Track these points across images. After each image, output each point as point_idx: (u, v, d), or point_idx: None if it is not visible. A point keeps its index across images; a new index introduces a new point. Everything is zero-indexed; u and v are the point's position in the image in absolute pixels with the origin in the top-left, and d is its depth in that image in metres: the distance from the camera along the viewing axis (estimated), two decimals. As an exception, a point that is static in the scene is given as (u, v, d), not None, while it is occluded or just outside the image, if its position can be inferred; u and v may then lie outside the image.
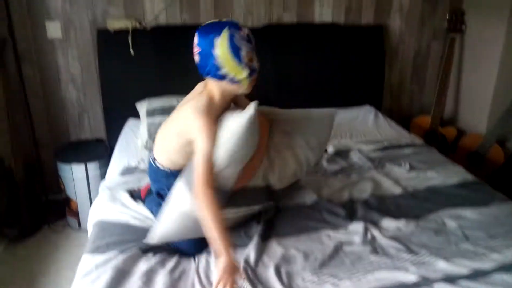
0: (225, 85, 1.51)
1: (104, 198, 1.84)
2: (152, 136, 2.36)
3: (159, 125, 2.38)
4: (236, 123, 1.45)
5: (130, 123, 2.68)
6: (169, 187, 1.58)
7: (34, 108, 2.79)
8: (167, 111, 2.44)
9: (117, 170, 2.13)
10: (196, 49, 1.49)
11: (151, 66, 2.74)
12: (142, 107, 2.54)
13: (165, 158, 1.66)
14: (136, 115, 2.63)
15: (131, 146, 2.41)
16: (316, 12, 2.97)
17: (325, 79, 2.99)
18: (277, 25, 2.93)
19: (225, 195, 1.49)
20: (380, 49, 3.06)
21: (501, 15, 2.78)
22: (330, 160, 2.25)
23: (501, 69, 2.86)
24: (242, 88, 1.53)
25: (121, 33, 2.68)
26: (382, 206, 1.81)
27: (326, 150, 2.34)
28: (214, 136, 1.44)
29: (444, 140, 3.09)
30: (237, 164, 1.48)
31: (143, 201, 1.82)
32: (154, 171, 1.71)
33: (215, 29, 1.44)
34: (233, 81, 1.49)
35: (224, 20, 1.50)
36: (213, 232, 1.34)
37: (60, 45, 2.73)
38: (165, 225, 1.49)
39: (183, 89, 2.67)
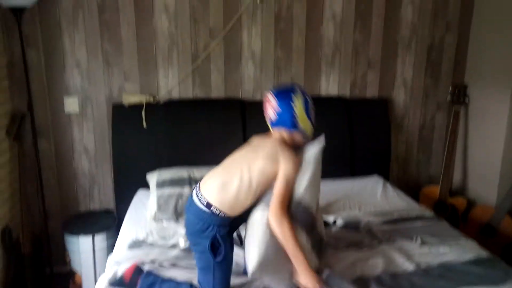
0: (294, 134, 1.81)
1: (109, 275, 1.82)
2: (161, 207, 2.38)
3: (168, 196, 2.41)
4: (311, 152, 1.76)
5: (140, 194, 2.70)
6: (222, 235, 1.67)
7: (46, 180, 2.85)
8: (176, 182, 2.47)
9: (125, 243, 2.12)
10: (277, 108, 1.78)
11: (163, 138, 2.81)
12: (152, 178, 2.58)
13: (224, 203, 1.67)
14: (146, 186, 2.67)
15: (140, 218, 2.42)
16: (322, 86, 3.09)
17: (333, 150, 3.00)
18: (284, 99, 3.03)
19: (308, 218, 1.71)
20: (385, 121, 3.14)
21: (504, 87, 2.87)
22: (340, 232, 2.23)
23: (507, 140, 2.90)
24: (308, 138, 1.85)
25: (135, 107, 2.79)
26: (395, 284, 1.76)
27: (335, 222, 2.33)
28: (297, 166, 1.71)
29: (454, 211, 3.06)
30: (316, 189, 1.78)
31: (131, 284, 1.77)
32: (206, 216, 1.67)
33: (290, 92, 1.79)
34: (302, 132, 1.81)
35: (290, 85, 1.90)
36: (297, 252, 1.61)
37: (76, 119, 2.83)
38: (259, 255, 1.62)
39: (194, 160, 2.76)
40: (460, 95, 3.12)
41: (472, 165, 3.21)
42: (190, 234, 1.72)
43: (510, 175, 2.84)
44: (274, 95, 1.80)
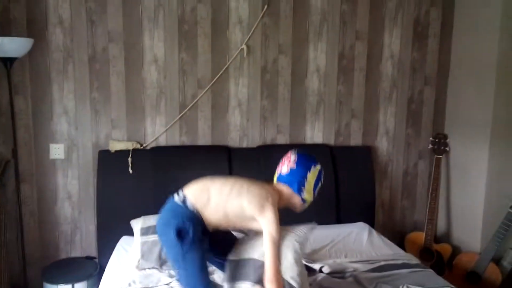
0: (294, 197, 1.89)
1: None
2: (145, 255, 2.33)
3: (152, 243, 2.37)
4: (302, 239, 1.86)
5: (123, 241, 2.65)
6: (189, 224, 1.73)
7: (27, 226, 2.80)
8: (161, 229, 2.44)
9: (107, 293, 2.06)
10: (293, 165, 1.88)
11: (149, 184, 2.81)
12: (137, 225, 2.54)
13: (198, 201, 1.81)
14: (130, 233, 2.62)
15: (123, 265, 2.36)
16: (307, 134, 3.16)
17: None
18: (270, 145, 3.09)
19: None
20: (369, 168, 3.19)
21: (483, 136, 2.97)
22: (326, 280, 2.20)
23: (488, 187, 2.97)
24: (302, 207, 1.93)
25: (122, 153, 2.81)
26: None
27: (321, 270, 2.30)
28: (279, 226, 1.76)
29: (439, 257, 3.06)
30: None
31: None
32: (179, 209, 1.79)
33: (313, 161, 1.92)
34: (302, 200, 1.89)
35: (314, 157, 1.96)
36: None
37: (61, 165, 2.83)
38: None
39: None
40: (440, 144, 3.22)
41: (456, 212, 3.25)
42: (159, 225, 1.80)
43: (493, 222, 2.88)
44: (297, 154, 1.92)
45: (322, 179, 1.93)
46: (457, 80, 3.26)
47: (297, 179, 1.87)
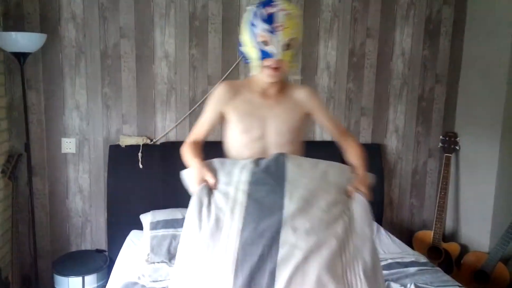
0: (251, 68, 1.55)
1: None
2: (154, 249, 2.36)
3: (162, 237, 2.40)
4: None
5: (133, 235, 2.69)
6: None
7: (38, 219, 2.84)
8: (170, 224, 2.47)
9: (117, 286, 2.09)
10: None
11: (158, 179, 2.84)
12: (146, 219, 2.58)
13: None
14: (140, 227, 2.66)
15: (132, 259, 2.39)
16: (317, 131, 3.16)
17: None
18: (279, 143, 3.10)
19: None
20: (378, 166, 3.19)
21: (493, 135, 2.95)
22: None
23: (498, 187, 2.95)
24: (255, 70, 1.53)
25: (132, 148, 2.84)
26: None
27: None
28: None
29: (448, 256, 3.05)
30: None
31: None
32: None
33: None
34: (247, 61, 1.56)
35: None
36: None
37: (72, 159, 2.87)
38: None
39: (188, 201, 2.76)
40: (451, 143, 3.20)
41: (465, 211, 3.23)
42: None
43: (502, 221, 2.86)
44: None
45: (258, 18, 1.42)
46: (468, 79, 3.23)
47: (240, 44, 1.55)
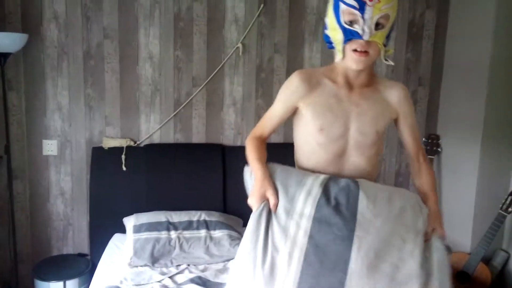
0: (334, 55, 1.33)
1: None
2: (137, 253, 2.33)
3: (145, 241, 2.38)
4: None
5: (116, 239, 2.65)
6: None
7: (18, 222, 2.78)
8: (154, 227, 2.44)
9: (99, 290, 2.06)
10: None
11: (142, 181, 2.81)
12: (129, 222, 2.55)
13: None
14: (123, 230, 2.63)
15: (115, 263, 2.36)
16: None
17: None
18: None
19: None
20: (362, 169, 3.20)
21: (474, 138, 3.00)
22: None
23: (478, 189, 2.99)
24: (339, 57, 1.33)
25: (115, 150, 2.80)
26: None
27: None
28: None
29: (431, 258, 3.08)
30: None
31: None
32: None
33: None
34: (332, 46, 1.33)
35: None
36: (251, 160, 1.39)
37: (54, 161, 2.82)
38: None
39: (172, 205, 2.75)
40: (433, 145, 3.24)
41: (446, 212, 3.28)
42: None
43: (483, 222, 2.90)
44: None
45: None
46: (450, 82, 3.28)
47: (323, 30, 1.38)
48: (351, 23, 1.26)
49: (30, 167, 2.79)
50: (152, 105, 2.91)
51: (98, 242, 2.69)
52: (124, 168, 2.79)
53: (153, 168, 2.83)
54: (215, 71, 2.95)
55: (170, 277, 2.16)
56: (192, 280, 2.11)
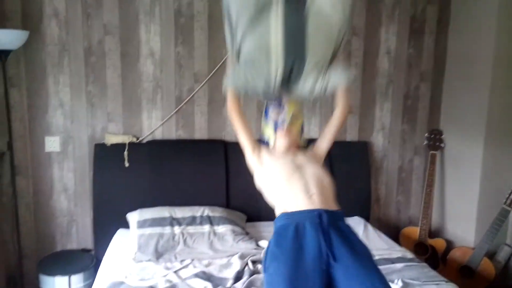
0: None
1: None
2: (141, 248, 2.33)
3: (149, 236, 2.38)
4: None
5: (120, 234, 2.66)
6: None
7: (22, 218, 2.79)
8: (157, 222, 2.45)
9: (103, 285, 2.06)
10: None
11: (145, 177, 2.81)
12: (133, 218, 2.55)
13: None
14: (126, 226, 2.63)
15: (119, 258, 2.36)
16: (304, 129, 3.15)
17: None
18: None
19: None
20: (365, 163, 3.21)
21: (477, 132, 2.99)
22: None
23: (482, 183, 2.99)
24: (273, 143, 1.84)
25: (118, 146, 2.80)
26: None
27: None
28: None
29: (434, 252, 3.08)
30: None
31: None
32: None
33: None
34: (268, 143, 1.86)
35: None
36: None
37: (56, 158, 2.82)
38: None
39: (176, 200, 2.75)
40: (436, 140, 3.24)
41: (450, 207, 3.27)
42: None
43: (487, 218, 2.90)
44: None
45: (270, 107, 1.88)
46: (453, 77, 3.27)
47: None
48: (276, 119, 1.85)
49: (33, 164, 2.79)
50: (154, 101, 2.91)
51: (102, 238, 2.70)
52: (126, 164, 2.79)
53: (156, 164, 2.83)
54: (217, 67, 2.95)
55: (175, 272, 2.16)
56: (196, 275, 2.11)
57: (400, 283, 2.11)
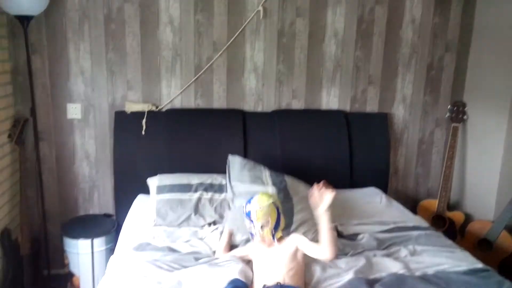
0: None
1: (117, 275, 1.84)
2: (161, 212, 2.38)
3: (168, 201, 2.42)
4: None
5: (140, 200, 2.71)
6: None
7: (46, 183, 2.87)
8: (176, 188, 2.48)
9: (128, 246, 2.12)
10: None
11: (163, 145, 2.84)
12: (153, 183, 2.59)
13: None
14: (146, 192, 2.68)
15: (140, 223, 2.42)
16: (323, 100, 3.13)
17: (332, 162, 3.06)
18: (285, 110, 3.08)
19: None
20: (385, 135, 3.17)
21: (502, 105, 2.91)
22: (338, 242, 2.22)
23: (505, 156, 2.93)
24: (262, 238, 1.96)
25: (137, 114, 2.83)
26: (394, 284, 1.78)
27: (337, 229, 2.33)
28: None
29: (451, 225, 3.06)
30: None
31: None
32: None
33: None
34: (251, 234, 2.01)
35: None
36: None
37: (78, 125, 2.87)
38: None
39: (193, 168, 2.78)
40: (458, 112, 3.16)
41: (470, 180, 3.23)
42: None
43: (508, 191, 2.85)
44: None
45: (243, 213, 1.99)
46: (479, 47, 3.16)
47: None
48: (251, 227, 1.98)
49: (55, 130, 2.85)
50: (173, 70, 2.91)
51: (123, 203, 2.76)
52: (145, 133, 2.82)
53: (175, 133, 2.86)
54: (236, 35, 2.91)
55: (196, 237, 2.22)
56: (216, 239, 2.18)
57: (415, 250, 2.12)
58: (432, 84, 3.26)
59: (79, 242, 2.61)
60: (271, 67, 3.02)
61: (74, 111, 2.84)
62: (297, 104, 3.11)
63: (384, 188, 3.12)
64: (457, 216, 3.09)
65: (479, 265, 2.00)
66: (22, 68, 2.72)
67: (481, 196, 3.11)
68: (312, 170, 3.03)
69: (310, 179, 2.98)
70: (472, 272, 1.92)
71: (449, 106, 3.24)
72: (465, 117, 3.17)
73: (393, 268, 1.93)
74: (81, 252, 2.61)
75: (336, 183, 2.95)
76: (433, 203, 3.16)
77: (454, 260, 2.02)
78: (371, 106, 3.21)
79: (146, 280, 1.79)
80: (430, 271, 1.92)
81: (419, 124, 3.32)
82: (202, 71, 2.93)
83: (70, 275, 2.67)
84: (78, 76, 2.82)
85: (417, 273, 1.90)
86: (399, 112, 3.26)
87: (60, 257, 2.78)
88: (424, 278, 1.86)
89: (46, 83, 2.79)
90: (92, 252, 2.62)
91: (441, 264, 1.98)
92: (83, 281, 2.64)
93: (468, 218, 3.12)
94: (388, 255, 2.08)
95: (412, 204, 3.28)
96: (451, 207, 3.32)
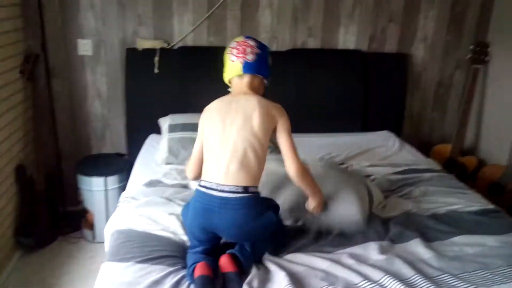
0: (263, 83, 1.80)
1: (128, 207, 1.88)
2: (172, 150, 2.39)
3: (180, 140, 2.43)
4: None
5: (151, 139, 2.72)
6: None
7: (59, 121, 2.88)
8: (189, 127, 2.48)
9: (140, 183, 2.16)
10: (256, 51, 1.71)
11: (175, 84, 2.80)
12: (165, 122, 2.59)
13: (255, 177, 1.60)
14: (158, 131, 2.68)
15: (151, 162, 2.44)
16: (340, 39, 3.02)
17: (347, 103, 3.01)
18: (301, 49, 2.99)
19: None
20: (402, 77, 3.08)
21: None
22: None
23: (525, 101, 2.84)
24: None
25: (149, 52, 2.77)
26: (407, 221, 1.82)
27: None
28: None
29: (464, 169, 3.04)
30: None
31: None
32: (256, 204, 1.59)
33: (265, 45, 1.80)
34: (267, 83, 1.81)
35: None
36: (314, 184, 1.68)
37: (89, 62, 2.83)
38: None
39: (205, 107, 2.74)
40: (481, 53, 3.03)
41: (486, 125, 3.16)
42: (246, 227, 1.56)
43: (525, 137, 2.80)
44: (252, 38, 1.77)
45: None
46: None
47: (265, 64, 1.74)
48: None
49: (67, 67, 2.81)
50: (185, 4, 2.80)
51: (135, 143, 2.77)
52: (157, 70, 2.77)
53: (187, 71, 2.80)
54: (250, -32, 2.76)
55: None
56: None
57: (426, 190, 2.12)
58: (455, 22, 3.10)
59: (93, 179, 2.66)
60: (286, 2, 2.89)
61: (84, 46, 2.78)
62: (313, 43, 3.01)
63: (398, 132, 3.08)
64: (470, 161, 3.06)
65: (491, 206, 2.00)
66: (32, 1, 2.63)
67: (496, 141, 3.06)
68: (326, 110, 3.00)
69: (324, 122, 2.97)
70: (484, 212, 1.94)
71: (471, 46, 3.10)
72: (487, 58, 3.04)
73: (405, 207, 1.95)
74: (94, 189, 2.67)
75: (348, 125, 2.97)
76: (446, 148, 3.13)
77: (466, 201, 2.03)
78: (390, 46, 3.09)
79: (157, 212, 1.82)
80: (442, 210, 1.94)
81: (438, 65, 3.20)
82: (215, 6, 2.81)
83: (84, 212, 2.75)
84: (88, 10, 2.73)
85: (428, 213, 1.91)
86: (418, 52, 3.14)
87: (74, 194, 2.85)
88: (435, 217, 1.88)
89: (57, 17, 2.71)
90: (106, 190, 2.67)
91: (453, 204, 2.00)
92: (97, 218, 2.71)
93: (480, 164, 3.09)
94: (399, 196, 2.09)
95: (425, 148, 3.23)
96: (465, 152, 3.28)
